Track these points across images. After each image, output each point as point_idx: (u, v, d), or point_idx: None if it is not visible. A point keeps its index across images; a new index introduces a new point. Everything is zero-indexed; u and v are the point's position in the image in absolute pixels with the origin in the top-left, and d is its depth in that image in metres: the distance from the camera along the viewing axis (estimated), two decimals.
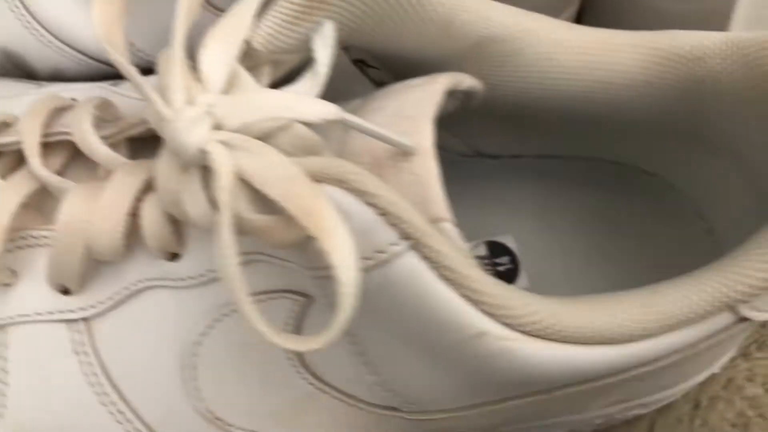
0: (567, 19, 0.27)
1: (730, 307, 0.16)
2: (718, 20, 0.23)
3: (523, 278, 0.24)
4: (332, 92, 0.21)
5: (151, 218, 0.17)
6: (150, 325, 0.18)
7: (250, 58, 0.16)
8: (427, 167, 0.16)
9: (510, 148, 0.24)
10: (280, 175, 0.13)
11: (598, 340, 0.15)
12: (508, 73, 0.19)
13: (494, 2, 0.18)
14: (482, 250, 0.24)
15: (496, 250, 0.24)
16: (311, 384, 0.17)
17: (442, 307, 0.14)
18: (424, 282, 0.14)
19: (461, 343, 0.15)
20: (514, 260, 0.24)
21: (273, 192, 0.13)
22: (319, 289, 0.16)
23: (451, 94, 0.19)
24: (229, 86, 0.16)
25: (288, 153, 0.15)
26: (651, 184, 0.24)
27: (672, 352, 0.16)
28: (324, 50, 0.16)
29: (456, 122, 0.23)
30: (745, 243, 0.16)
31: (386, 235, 0.14)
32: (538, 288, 0.24)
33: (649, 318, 0.15)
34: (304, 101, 0.15)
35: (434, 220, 0.16)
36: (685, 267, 0.17)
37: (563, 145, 0.23)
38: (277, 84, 0.17)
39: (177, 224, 0.17)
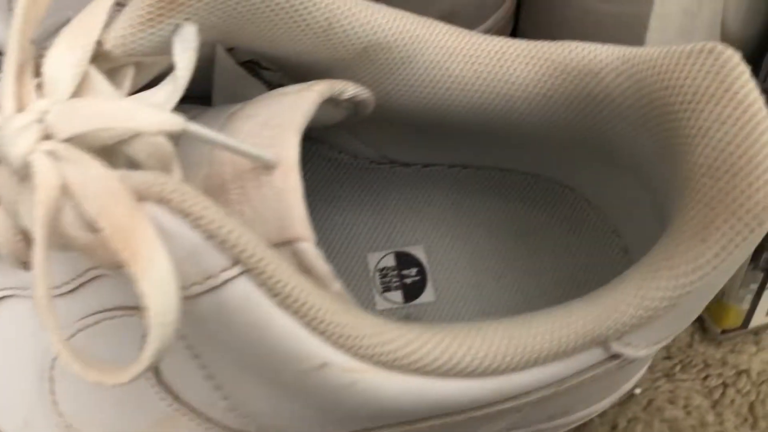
0: (495, 23, 0.26)
1: (601, 343, 0.15)
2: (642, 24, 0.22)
3: (429, 291, 0.23)
4: (228, 94, 0.20)
5: (2, 226, 0.16)
6: (10, 335, 0.17)
7: (107, 61, 0.15)
8: (289, 182, 0.15)
9: (422, 157, 0.23)
10: (99, 190, 0.12)
11: (455, 373, 0.14)
12: (400, 82, 0.18)
13: (382, 7, 0.17)
14: (390, 261, 0.23)
15: (404, 260, 0.23)
16: (170, 405, 0.16)
17: (282, 336, 0.13)
18: (260, 309, 0.13)
19: (304, 374, 0.14)
20: (422, 272, 0.23)
21: (91, 208, 0.12)
22: None
23: (336, 102, 0.18)
24: (80, 91, 0.15)
25: (143, 164, 0.14)
26: (569, 197, 0.23)
27: (540, 387, 0.15)
28: (183, 54, 0.15)
29: (366, 129, 0.22)
30: (616, 277, 0.15)
31: (216, 259, 0.13)
32: (445, 301, 0.23)
33: (513, 351, 0.14)
34: (145, 111, 0.14)
35: (292, 240, 0.15)
36: (600, 284, 0.16)
37: (475, 155, 0.22)
38: (146, 87, 0.16)
39: (27, 233, 0.16)
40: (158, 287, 0.12)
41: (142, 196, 0.13)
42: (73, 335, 0.16)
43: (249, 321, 0.13)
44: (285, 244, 0.15)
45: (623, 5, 0.22)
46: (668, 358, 0.27)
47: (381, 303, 0.23)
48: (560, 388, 0.15)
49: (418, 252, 0.23)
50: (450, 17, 0.24)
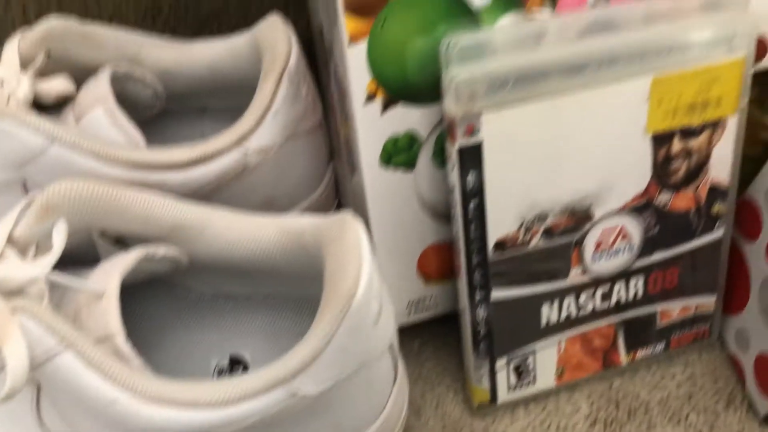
0: (312, 203, 0.39)
1: (282, 384, 0.26)
2: None
3: None
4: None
5: None
6: None
7: (16, 244, 0.28)
8: (109, 305, 0.27)
9: (242, 292, 0.35)
10: None
11: (178, 404, 0.25)
12: (201, 246, 0.31)
13: (179, 202, 0.30)
14: (225, 361, 0.35)
15: (236, 361, 0.34)
16: None
17: (90, 385, 0.25)
18: (77, 371, 0.25)
19: (107, 408, 0.25)
20: (246, 368, 0.34)
21: None
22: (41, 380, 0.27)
23: (151, 259, 0.30)
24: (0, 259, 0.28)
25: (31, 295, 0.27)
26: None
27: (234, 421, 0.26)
28: (57, 237, 0.28)
29: (205, 275, 0.34)
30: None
31: (51, 343, 0.25)
32: None
33: (227, 389, 0.26)
34: (15, 269, 0.26)
35: (109, 335, 0.27)
36: None
37: (275, 289, 0.34)
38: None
39: None
40: (15, 360, 0.24)
41: (14, 310, 0.25)
42: None
43: (72, 378, 0.25)
44: (106, 339, 0.27)
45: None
46: (444, 427, 0.37)
47: None
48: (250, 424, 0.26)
49: (246, 354, 0.35)
50: (270, 203, 0.37)
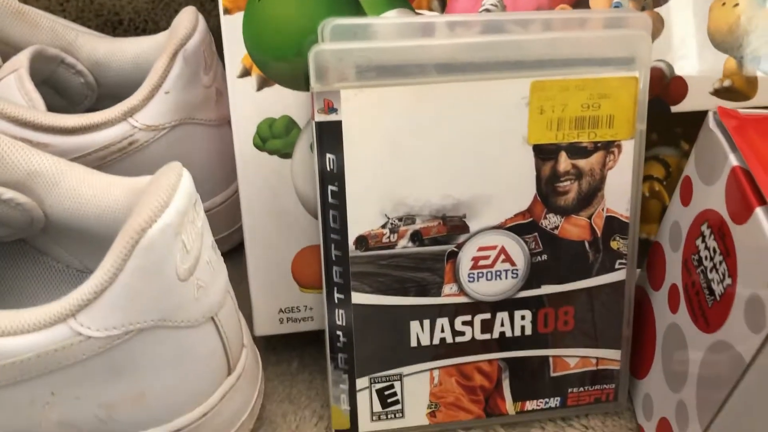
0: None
1: (63, 321, 0.24)
2: None
3: None
4: None
5: None
6: None
7: None
8: None
9: None
10: None
11: None
12: (55, 200, 0.30)
13: (35, 150, 0.30)
14: None
15: None
16: None
17: None
18: None
19: None
20: None
21: None
22: None
23: (3, 200, 0.30)
24: None
25: None
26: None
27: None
28: None
29: (71, 246, 0.33)
30: None
31: None
32: None
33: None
34: None
35: None
36: None
37: None
38: None
39: None
40: None
41: None
42: None
43: None
44: None
45: None
46: None
47: None
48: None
49: None
50: None
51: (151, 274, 0.25)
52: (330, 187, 0.30)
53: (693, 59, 0.36)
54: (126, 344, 0.26)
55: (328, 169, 0.30)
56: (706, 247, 0.29)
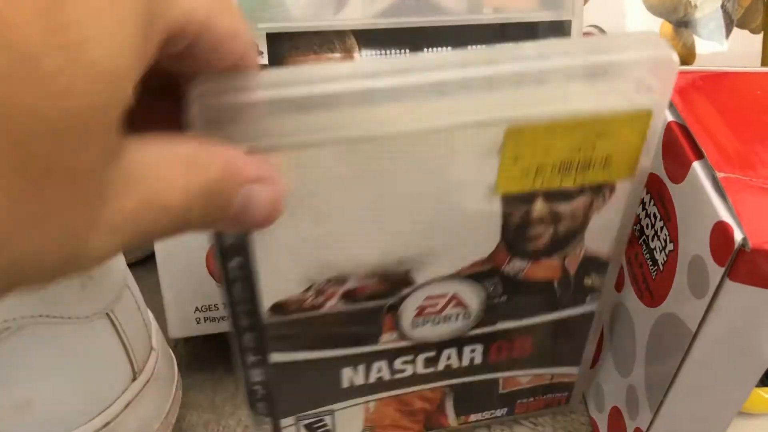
0: None
1: None
2: None
3: None
4: None
5: None
6: None
7: None
8: None
9: None
10: None
11: None
12: None
13: None
14: None
15: None
16: None
17: None
18: None
19: None
20: None
21: None
22: None
23: None
24: None
25: None
26: None
27: None
28: None
29: None
30: None
31: None
32: None
33: None
34: None
35: None
36: None
37: None
38: None
39: None
40: None
41: None
42: None
43: None
44: None
45: None
46: None
47: None
48: None
49: None
50: None
51: None
52: (232, 263, 0.23)
53: (626, 24, 0.34)
54: (3, 344, 0.21)
55: (228, 244, 0.22)
56: (647, 215, 0.27)
